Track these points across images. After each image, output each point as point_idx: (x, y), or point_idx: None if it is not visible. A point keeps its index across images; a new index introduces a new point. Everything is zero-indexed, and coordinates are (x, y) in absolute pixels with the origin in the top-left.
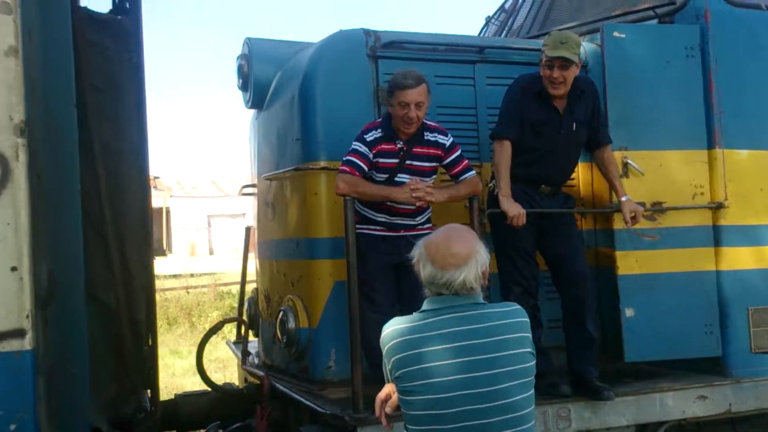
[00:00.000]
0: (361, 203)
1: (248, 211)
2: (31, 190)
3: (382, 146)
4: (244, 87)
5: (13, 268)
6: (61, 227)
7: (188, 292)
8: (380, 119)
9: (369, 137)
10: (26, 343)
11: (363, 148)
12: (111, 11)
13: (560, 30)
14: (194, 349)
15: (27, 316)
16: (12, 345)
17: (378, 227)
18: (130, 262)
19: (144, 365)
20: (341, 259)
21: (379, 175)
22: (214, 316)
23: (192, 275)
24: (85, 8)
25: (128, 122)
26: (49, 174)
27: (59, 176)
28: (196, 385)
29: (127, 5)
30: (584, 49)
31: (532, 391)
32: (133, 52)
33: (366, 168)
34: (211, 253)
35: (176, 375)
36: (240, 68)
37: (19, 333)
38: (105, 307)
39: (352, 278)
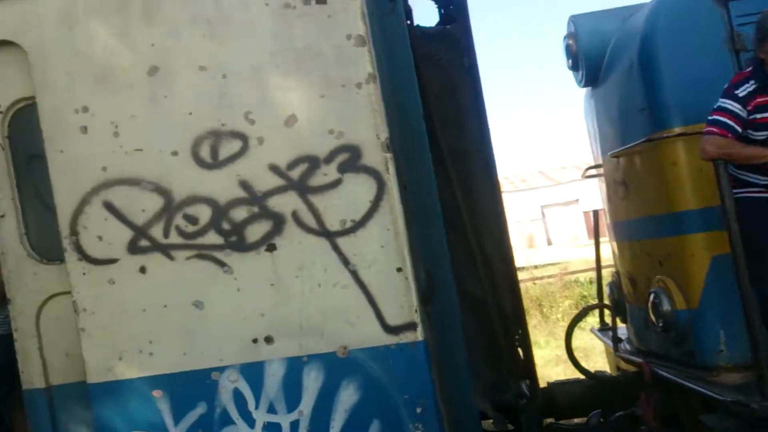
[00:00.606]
0: (735, 165)
1: (581, 196)
2: (402, 198)
3: (759, 99)
4: (574, 66)
5: (399, 269)
6: (428, 229)
7: (535, 284)
8: (749, 69)
9: (741, 92)
10: (418, 335)
11: (734, 106)
12: (439, 23)
13: None
14: (551, 340)
15: (415, 311)
16: (407, 337)
17: (763, 189)
18: (489, 255)
19: (516, 353)
20: (716, 231)
21: (758, 133)
22: (566, 305)
23: (536, 267)
24: (418, 26)
25: (469, 123)
26: (411, 182)
27: (419, 183)
28: (560, 374)
29: (454, 15)
30: None
31: None
32: (465, 56)
33: (739, 128)
34: (549, 243)
35: (538, 365)
36: (568, 48)
37: (411, 326)
38: (474, 299)
39: (737, 249)
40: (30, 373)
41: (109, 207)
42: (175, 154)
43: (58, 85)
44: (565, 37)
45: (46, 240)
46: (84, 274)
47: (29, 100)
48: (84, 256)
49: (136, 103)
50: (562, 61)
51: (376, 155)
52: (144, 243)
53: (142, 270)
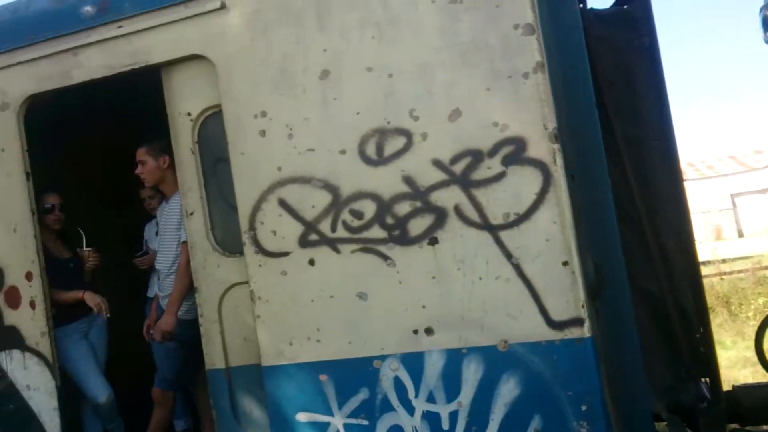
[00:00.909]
0: None
1: None
2: (569, 190)
3: None
4: None
5: (565, 263)
6: (598, 221)
7: (722, 279)
8: None
9: None
10: (585, 331)
11: None
12: (615, 3)
13: None
14: (738, 340)
15: (582, 306)
16: (573, 332)
17: None
18: (668, 249)
19: (696, 353)
20: None
21: None
22: (759, 303)
23: (723, 261)
24: (591, 9)
25: (647, 108)
26: (581, 173)
27: (589, 174)
28: (748, 377)
29: None
30: None
31: None
32: (644, 36)
33: None
34: (740, 235)
35: (723, 366)
36: (765, 20)
37: (577, 321)
38: (649, 295)
39: None
40: (212, 355)
41: (283, 204)
42: (343, 152)
43: (240, 93)
44: (761, 8)
45: (227, 235)
46: (260, 265)
47: (216, 108)
48: (260, 250)
49: (309, 106)
50: (757, 35)
51: (543, 146)
52: (313, 237)
53: (311, 262)
